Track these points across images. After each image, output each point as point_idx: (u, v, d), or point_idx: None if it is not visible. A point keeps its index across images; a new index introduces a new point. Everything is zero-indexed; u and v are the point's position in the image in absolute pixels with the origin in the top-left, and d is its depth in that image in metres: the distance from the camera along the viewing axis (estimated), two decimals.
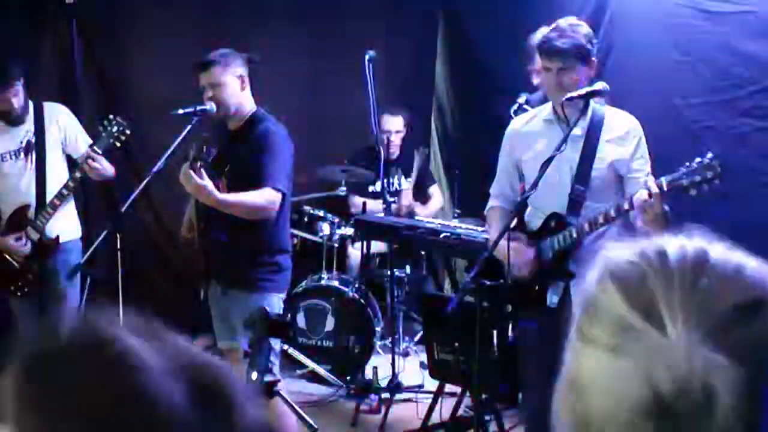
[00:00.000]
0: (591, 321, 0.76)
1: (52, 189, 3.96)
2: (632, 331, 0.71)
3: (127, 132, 3.89)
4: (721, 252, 0.76)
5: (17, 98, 3.93)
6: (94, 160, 3.83)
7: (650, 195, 2.71)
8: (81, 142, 4.06)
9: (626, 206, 2.82)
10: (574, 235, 2.96)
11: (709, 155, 2.68)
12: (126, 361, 0.69)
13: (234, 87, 3.49)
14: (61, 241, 4.01)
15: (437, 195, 5.75)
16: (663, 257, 0.75)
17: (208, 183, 3.32)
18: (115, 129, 3.86)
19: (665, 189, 2.72)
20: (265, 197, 3.40)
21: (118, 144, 3.90)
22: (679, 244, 0.77)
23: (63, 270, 3.96)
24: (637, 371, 0.70)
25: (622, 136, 3.02)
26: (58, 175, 4.01)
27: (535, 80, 4.06)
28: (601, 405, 0.73)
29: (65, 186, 3.91)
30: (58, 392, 0.67)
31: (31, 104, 4.05)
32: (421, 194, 5.64)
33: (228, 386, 0.72)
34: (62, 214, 4.00)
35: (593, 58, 3.00)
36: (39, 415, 0.67)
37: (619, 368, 0.71)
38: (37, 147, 4.00)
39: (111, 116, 3.91)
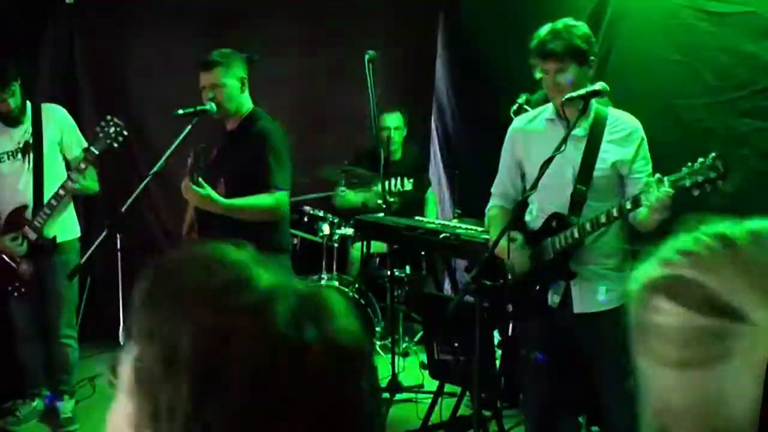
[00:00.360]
0: (658, 346, 0.73)
1: (49, 189, 3.96)
2: (713, 335, 0.69)
3: (125, 133, 3.89)
4: (732, 227, 0.75)
5: (14, 99, 3.93)
6: (81, 172, 3.85)
7: (663, 194, 2.68)
8: (75, 144, 4.06)
9: (629, 206, 2.82)
10: (576, 234, 2.96)
11: (712, 155, 2.66)
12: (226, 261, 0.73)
13: (234, 88, 3.49)
14: (58, 241, 4.01)
15: (432, 202, 5.75)
16: (691, 254, 0.74)
17: (210, 192, 3.34)
18: (112, 130, 3.86)
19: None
20: (273, 198, 3.42)
21: (116, 145, 3.90)
22: (691, 238, 0.76)
23: (61, 270, 3.96)
24: (736, 373, 0.68)
25: (625, 137, 3.01)
26: (55, 176, 4.01)
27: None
28: (701, 422, 0.71)
29: (62, 187, 3.91)
30: (173, 291, 0.71)
31: (29, 105, 4.05)
32: (420, 197, 5.65)
33: (326, 300, 0.74)
34: (60, 214, 4.01)
35: (591, 58, 3.00)
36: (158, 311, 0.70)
37: (712, 378, 0.69)
38: (34, 148, 4.00)
39: (109, 117, 3.91)
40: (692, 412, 0.71)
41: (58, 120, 4.09)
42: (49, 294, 4.04)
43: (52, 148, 4.04)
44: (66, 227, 4.08)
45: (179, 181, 3.42)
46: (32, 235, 3.94)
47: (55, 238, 3.99)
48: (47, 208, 3.92)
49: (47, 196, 3.95)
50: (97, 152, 3.86)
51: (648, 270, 0.76)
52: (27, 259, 3.96)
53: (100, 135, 3.87)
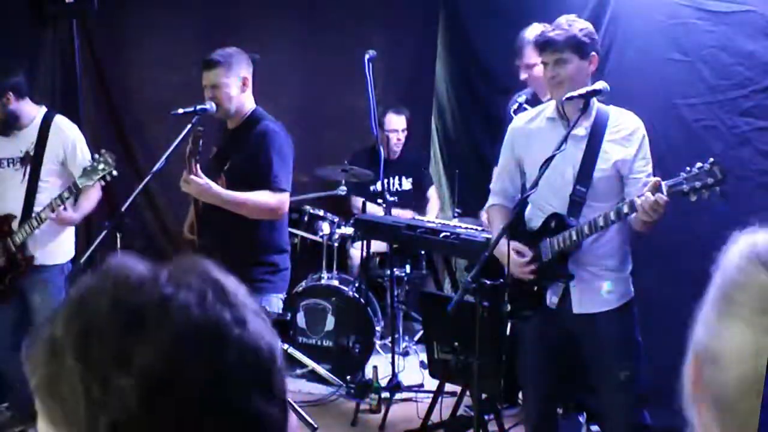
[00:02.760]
0: (737, 303, 0.78)
1: (41, 204, 3.83)
2: None
3: (114, 173, 3.72)
4: None
5: None
6: (63, 202, 3.73)
7: (657, 200, 2.68)
8: (75, 169, 3.87)
9: (626, 209, 2.80)
10: (574, 236, 2.95)
11: (711, 160, 2.64)
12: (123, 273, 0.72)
13: (236, 88, 3.49)
14: (39, 262, 3.90)
15: (434, 199, 5.76)
16: None
17: (209, 182, 3.34)
18: (101, 167, 3.71)
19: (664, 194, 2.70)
20: (274, 197, 3.42)
21: (102, 183, 3.76)
22: None
23: (40, 290, 3.87)
24: None
25: (626, 137, 3.00)
26: (50, 192, 3.86)
27: (523, 75, 4.07)
28: (744, 376, 0.75)
29: (49, 205, 3.77)
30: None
31: (41, 113, 3.93)
32: (419, 196, 5.66)
33: (234, 292, 0.74)
34: (51, 235, 3.90)
35: (593, 54, 2.98)
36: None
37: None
38: (33, 159, 3.88)
39: (102, 151, 3.76)
40: (740, 365, 0.75)
41: (66, 140, 3.93)
42: (27, 309, 3.95)
43: (52, 163, 3.90)
44: (51, 250, 3.95)
45: (179, 181, 3.42)
46: (12, 247, 3.87)
47: (32, 257, 3.88)
48: (27, 227, 3.81)
49: (37, 210, 3.82)
50: (80, 185, 3.73)
51: (757, 235, 0.82)
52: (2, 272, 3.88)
53: (88, 169, 3.74)
